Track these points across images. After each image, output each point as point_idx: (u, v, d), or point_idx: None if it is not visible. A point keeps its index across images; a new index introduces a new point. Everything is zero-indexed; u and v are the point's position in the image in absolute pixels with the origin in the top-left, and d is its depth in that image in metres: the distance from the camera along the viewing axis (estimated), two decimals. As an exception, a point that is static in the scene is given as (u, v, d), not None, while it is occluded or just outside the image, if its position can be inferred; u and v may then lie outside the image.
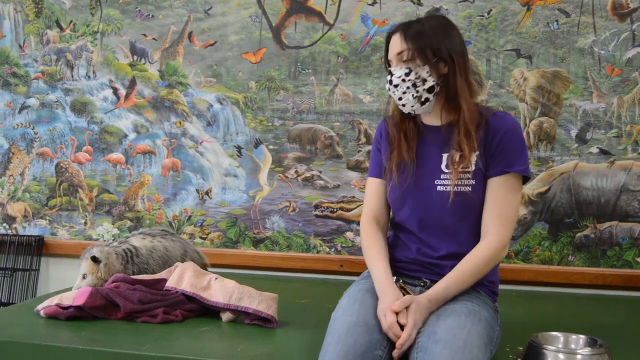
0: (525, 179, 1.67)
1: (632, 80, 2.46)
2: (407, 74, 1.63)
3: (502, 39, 2.57)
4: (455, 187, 1.62)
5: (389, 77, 1.67)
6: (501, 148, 1.62)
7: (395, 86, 1.65)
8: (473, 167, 1.63)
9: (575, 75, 2.51)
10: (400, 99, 1.66)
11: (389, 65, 1.70)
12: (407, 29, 1.65)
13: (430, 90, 1.63)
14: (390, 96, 1.72)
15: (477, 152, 1.63)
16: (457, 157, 1.63)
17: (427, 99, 1.65)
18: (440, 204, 1.64)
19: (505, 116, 1.67)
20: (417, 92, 1.63)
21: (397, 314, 1.47)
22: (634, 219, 2.45)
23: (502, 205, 1.62)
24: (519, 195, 1.67)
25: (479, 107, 1.69)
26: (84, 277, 2.05)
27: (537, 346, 1.45)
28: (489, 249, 1.60)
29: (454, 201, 1.61)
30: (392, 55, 1.68)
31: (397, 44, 1.66)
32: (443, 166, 1.66)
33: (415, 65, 1.63)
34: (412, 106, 1.66)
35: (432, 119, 1.71)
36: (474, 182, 1.63)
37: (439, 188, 1.65)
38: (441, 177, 1.65)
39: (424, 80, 1.63)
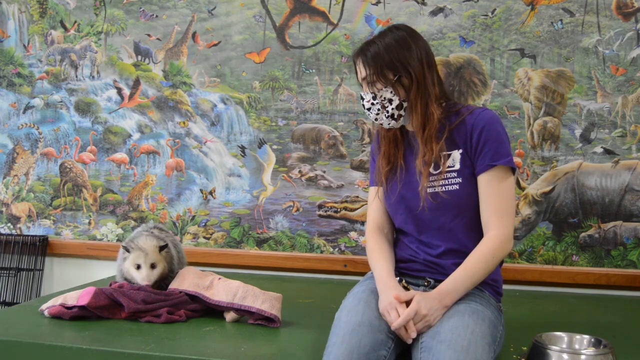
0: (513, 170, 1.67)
1: (637, 80, 2.45)
2: (374, 98, 1.67)
3: (506, 38, 2.56)
4: (442, 187, 1.65)
5: (362, 102, 1.71)
6: (482, 143, 1.63)
7: (368, 109, 1.69)
8: (458, 166, 1.65)
9: (580, 74, 2.50)
10: (375, 119, 1.70)
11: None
12: (365, 52, 1.67)
13: (399, 107, 1.67)
14: None
15: (460, 150, 1.65)
16: (425, 159, 1.66)
17: (399, 115, 1.68)
18: (430, 205, 1.65)
19: (482, 112, 1.67)
20: (388, 111, 1.67)
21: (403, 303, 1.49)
22: (639, 219, 2.44)
23: (496, 199, 1.63)
24: (511, 186, 1.67)
25: (456, 106, 1.71)
26: (152, 267, 1.96)
27: (541, 346, 1.45)
28: (492, 241, 1.61)
29: (444, 201, 1.64)
30: (359, 80, 1.72)
31: (360, 69, 1.69)
32: (431, 169, 1.68)
33: (378, 89, 1.66)
34: (389, 123, 1.70)
35: (411, 126, 1.74)
36: (460, 181, 1.65)
37: (428, 190, 1.66)
38: (429, 180, 1.67)
39: (390, 100, 1.66)
